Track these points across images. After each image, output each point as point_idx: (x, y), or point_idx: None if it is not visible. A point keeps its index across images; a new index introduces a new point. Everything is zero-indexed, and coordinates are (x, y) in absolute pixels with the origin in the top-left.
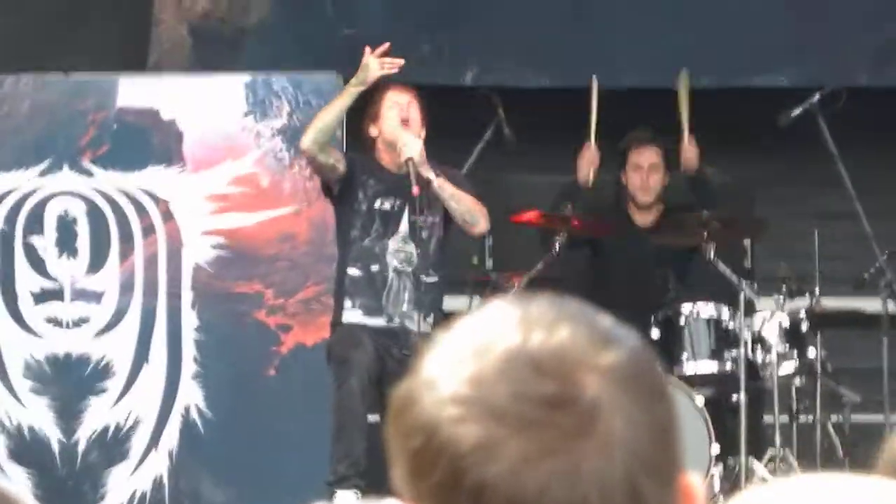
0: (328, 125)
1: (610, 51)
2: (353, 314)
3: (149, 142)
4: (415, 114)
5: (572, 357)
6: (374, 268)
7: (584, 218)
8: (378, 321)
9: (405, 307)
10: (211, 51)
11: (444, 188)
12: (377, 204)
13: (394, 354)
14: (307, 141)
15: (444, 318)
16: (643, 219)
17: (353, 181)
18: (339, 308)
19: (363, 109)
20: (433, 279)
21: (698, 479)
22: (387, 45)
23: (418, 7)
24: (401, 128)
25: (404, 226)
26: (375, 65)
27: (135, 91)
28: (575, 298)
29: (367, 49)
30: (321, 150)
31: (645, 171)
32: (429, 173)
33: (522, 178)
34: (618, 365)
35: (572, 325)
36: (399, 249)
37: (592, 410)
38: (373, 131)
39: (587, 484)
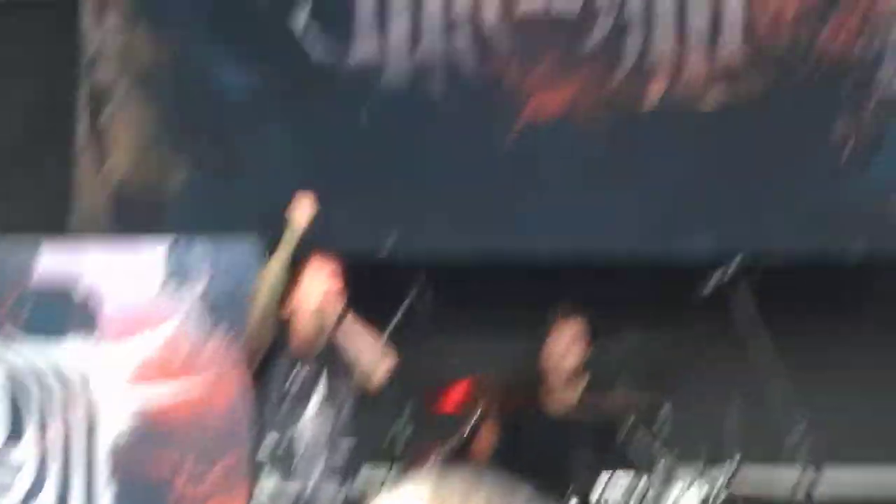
0: (275, 292)
1: (530, 220)
2: (269, 481)
3: (68, 310)
4: (332, 290)
5: None
6: (291, 434)
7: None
8: (294, 487)
9: (321, 473)
10: (130, 215)
11: (349, 332)
12: (294, 370)
13: None
14: (262, 315)
15: (361, 487)
16: (561, 393)
17: (274, 348)
18: (255, 475)
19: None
20: (349, 445)
21: None
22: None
23: (336, 173)
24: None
25: (320, 392)
26: (300, 205)
27: (54, 257)
28: (492, 471)
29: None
30: (274, 315)
31: (566, 347)
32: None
33: (444, 347)
34: None
35: (485, 498)
36: (315, 415)
37: None
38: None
39: None
